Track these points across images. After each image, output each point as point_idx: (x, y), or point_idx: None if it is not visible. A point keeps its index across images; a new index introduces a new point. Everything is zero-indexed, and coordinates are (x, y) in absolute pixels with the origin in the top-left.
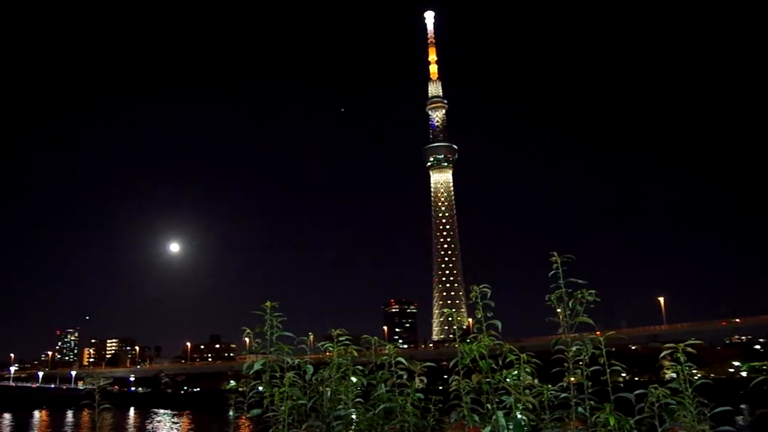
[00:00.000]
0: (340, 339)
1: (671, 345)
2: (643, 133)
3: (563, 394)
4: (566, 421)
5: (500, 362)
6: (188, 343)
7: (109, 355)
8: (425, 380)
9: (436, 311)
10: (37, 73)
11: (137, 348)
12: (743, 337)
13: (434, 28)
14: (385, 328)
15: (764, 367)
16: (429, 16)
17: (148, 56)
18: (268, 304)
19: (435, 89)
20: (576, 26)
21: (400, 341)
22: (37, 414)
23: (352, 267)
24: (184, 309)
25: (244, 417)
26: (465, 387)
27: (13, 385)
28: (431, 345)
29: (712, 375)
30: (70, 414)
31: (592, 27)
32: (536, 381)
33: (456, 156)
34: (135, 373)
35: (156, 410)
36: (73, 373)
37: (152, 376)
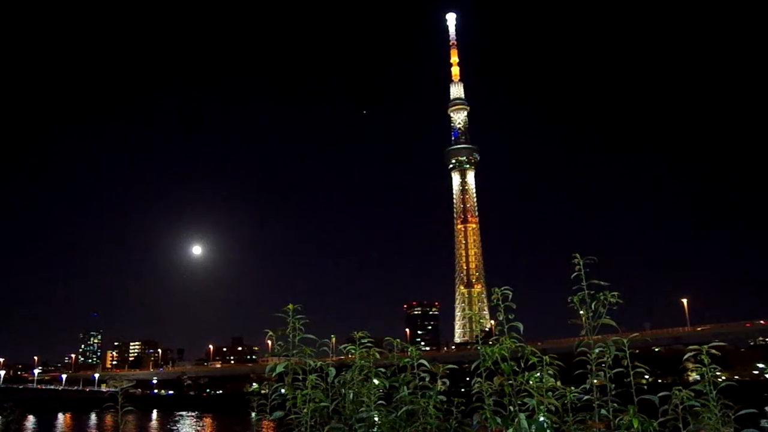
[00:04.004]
0: (362, 341)
1: (695, 347)
2: (667, 132)
3: (586, 396)
4: (589, 423)
5: (522, 364)
6: (210, 346)
7: (132, 358)
8: (447, 382)
9: (458, 313)
10: (63, 70)
11: (160, 350)
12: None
13: (456, 29)
14: (407, 330)
15: None
16: (451, 18)
17: (176, 57)
18: (290, 306)
19: (457, 91)
20: (599, 25)
21: (422, 343)
22: (60, 416)
23: (374, 269)
24: (206, 311)
25: (266, 419)
26: (487, 389)
27: (37, 387)
28: (453, 347)
29: (736, 377)
30: (93, 416)
31: (615, 25)
32: (559, 383)
33: (478, 157)
34: (158, 375)
35: (179, 413)
36: (96, 375)
37: (175, 379)
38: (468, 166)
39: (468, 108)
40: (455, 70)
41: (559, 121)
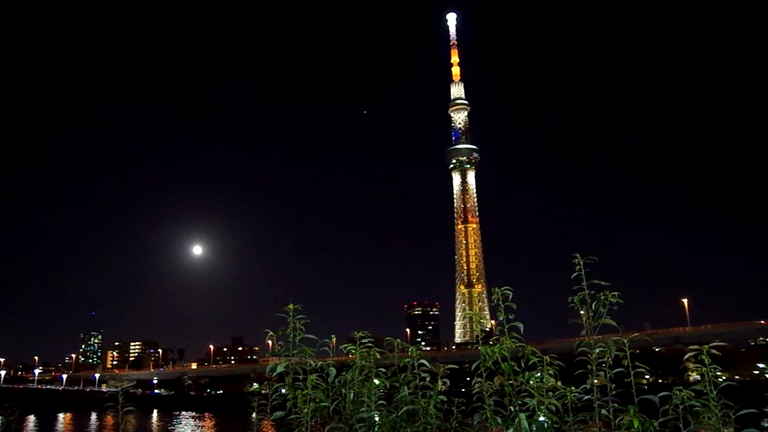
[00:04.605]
0: (363, 341)
1: (695, 347)
2: (667, 131)
3: (586, 396)
4: (590, 423)
5: (523, 364)
6: (211, 346)
7: (133, 358)
8: (448, 382)
9: (459, 313)
10: (63, 71)
11: (160, 350)
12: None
13: (456, 29)
14: (408, 330)
15: None
16: (451, 18)
17: (177, 57)
18: (290, 306)
19: (457, 91)
20: (599, 24)
21: (423, 343)
22: (61, 416)
23: (374, 269)
24: (207, 311)
25: (267, 419)
26: (488, 389)
27: (38, 387)
28: (454, 347)
29: (736, 377)
30: (93, 416)
31: (615, 25)
32: (559, 383)
33: (478, 157)
34: (158, 375)
35: (179, 413)
36: (97, 375)
37: (175, 379)
38: (468, 166)
39: (468, 108)
40: (455, 70)
41: (559, 121)
